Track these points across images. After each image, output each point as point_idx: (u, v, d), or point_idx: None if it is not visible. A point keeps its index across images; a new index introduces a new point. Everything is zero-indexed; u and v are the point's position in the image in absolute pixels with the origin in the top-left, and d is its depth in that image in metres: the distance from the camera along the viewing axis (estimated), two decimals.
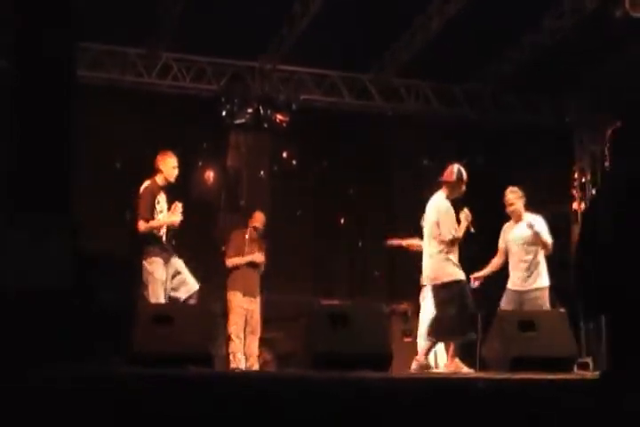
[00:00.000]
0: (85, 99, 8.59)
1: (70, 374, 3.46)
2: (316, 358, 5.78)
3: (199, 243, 8.46)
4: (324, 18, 8.99)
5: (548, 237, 7.26)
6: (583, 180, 11.44)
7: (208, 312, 6.77)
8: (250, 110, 10.22)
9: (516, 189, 7.45)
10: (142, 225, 6.73)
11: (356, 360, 5.52)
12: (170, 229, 6.87)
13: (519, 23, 9.35)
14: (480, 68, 10.51)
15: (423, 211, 7.08)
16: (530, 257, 7.25)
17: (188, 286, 6.63)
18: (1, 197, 5.36)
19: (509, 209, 7.39)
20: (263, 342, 8.83)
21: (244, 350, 8.00)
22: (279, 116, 10.27)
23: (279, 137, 10.55)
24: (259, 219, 8.45)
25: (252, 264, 8.26)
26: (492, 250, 7.49)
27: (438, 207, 6.88)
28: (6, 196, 5.31)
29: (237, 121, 10.24)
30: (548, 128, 10.88)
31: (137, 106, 10.11)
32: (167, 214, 6.82)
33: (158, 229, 6.78)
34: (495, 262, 7.45)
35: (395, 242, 8.52)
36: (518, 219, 7.37)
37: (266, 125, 10.31)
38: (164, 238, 6.81)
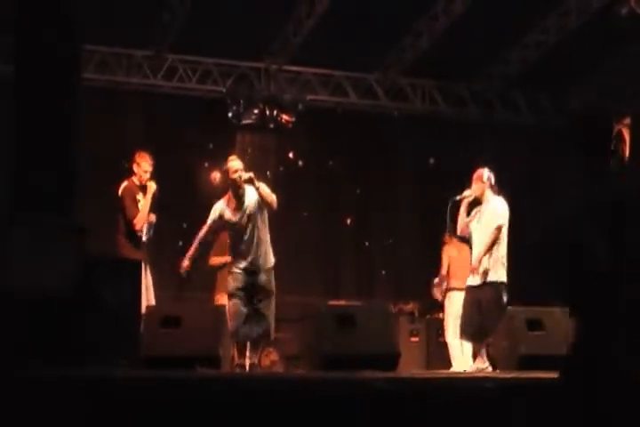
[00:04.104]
0: (92, 101, 8.64)
1: (75, 377, 3.47)
2: (323, 359, 5.78)
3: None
4: (329, 18, 9.00)
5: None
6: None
7: (216, 313, 6.76)
8: (256, 111, 10.23)
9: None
10: (139, 223, 6.89)
11: (364, 361, 5.52)
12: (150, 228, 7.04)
13: (525, 22, 9.35)
14: (486, 67, 10.51)
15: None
16: None
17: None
18: (7, 198, 5.37)
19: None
20: (271, 343, 8.82)
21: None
22: (285, 117, 10.27)
23: (285, 137, 10.55)
24: None
25: None
26: None
27: None
28: (12, 196, 5.32)
29: (243, 122, 10.24)
30: (553, 127, 10.87)
31: (142, 107, 10.13)
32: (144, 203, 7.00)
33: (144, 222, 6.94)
34: None
35: None
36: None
37: (272, 126, 10.32)
38: (144, 238, 6.98)
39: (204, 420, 3.30)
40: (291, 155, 10.80)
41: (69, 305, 4.64)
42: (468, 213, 6.98)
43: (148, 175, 7.08)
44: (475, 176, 6.99)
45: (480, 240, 6.79)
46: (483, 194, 6.90)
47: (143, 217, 6.92)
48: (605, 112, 3.40)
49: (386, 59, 10.34)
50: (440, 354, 8.37)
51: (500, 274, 6.67)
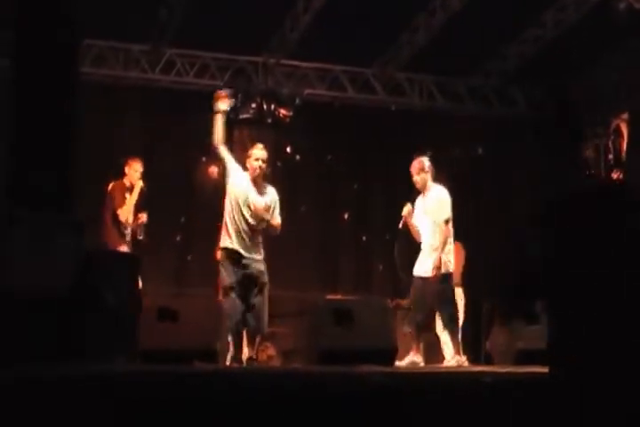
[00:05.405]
0: (89, 96, 8.62)
1: (75, 377, 3.47)
2: (320, 354, 5.79)
3: (203, 240, 8.44)
4: (327, 12, 8.99)
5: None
6: (587, 173, 11.41)
7: (213, 307, 6.76)
8: (253, 105, 10.22)
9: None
10: (123, 214, 7.28)
11: (362, 355, 5.52)
12: (136, 229, 7.38)
13: (522, 17, 9.34)
14: (483, 62, 10.50)
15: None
16: None
17: None
18: (5, 196, 5.37)
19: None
20: (267, 338, 8.82)
21: None
22: (283, 111, 10.26)
23: (283, 132, 10.54)
24: None
25: None
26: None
27: None
28: (10, 195, 5.31)
29: (241, 116, 10.23)
30: (551, 122, 10.86)
31: (140, 102, 10.12)
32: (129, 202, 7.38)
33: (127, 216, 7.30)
34: None
35: None
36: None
37: (269, 120, 10.31)
38: (127, 238, 7.34)
39: (202, 415, 3.30)
40: (288, 149, 10.80)
41: (69, 305, 4.65)
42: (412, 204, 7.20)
43: (138, 175, 7.49)
44: (417, 167, 7.08)
45: (429, 231, 6.98)
46: (425, 184, 7.01)
47: (128, 210, 7.30)
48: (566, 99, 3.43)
49: (384, 54, 10.33)
50: (437, 349, 8.38)
51: (448, 266, 6.91)
